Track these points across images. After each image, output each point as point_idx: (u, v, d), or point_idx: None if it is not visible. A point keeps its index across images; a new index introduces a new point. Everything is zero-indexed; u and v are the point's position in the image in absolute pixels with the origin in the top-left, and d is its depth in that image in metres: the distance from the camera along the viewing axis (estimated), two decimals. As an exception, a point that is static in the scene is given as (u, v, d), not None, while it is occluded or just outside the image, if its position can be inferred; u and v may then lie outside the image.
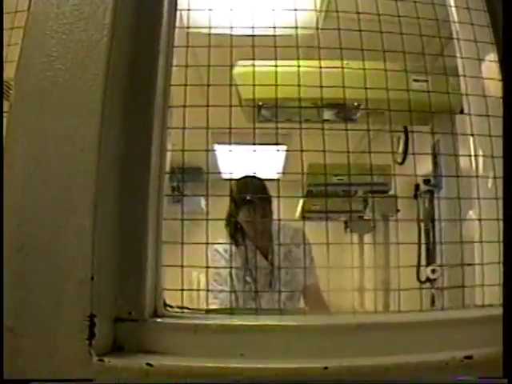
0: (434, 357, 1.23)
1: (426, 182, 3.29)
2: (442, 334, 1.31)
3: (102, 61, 1.21)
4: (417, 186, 3.40)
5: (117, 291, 1.27)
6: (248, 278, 2.88)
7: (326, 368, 1.17)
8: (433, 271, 3.01)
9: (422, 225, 3.36)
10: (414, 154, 3.52)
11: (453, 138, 2.63)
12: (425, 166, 3.41)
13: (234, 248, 2.95)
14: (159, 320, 1.31)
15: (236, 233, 2.95)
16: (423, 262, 3.29)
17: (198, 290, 2.86)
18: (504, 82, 1.41)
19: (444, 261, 2.96)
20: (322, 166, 3.69)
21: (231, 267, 2.88)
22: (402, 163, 3.81)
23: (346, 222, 5.18)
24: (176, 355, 1.24)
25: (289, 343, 1.28)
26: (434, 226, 3.27)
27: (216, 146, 4.68)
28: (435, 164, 3.11)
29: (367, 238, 5.21)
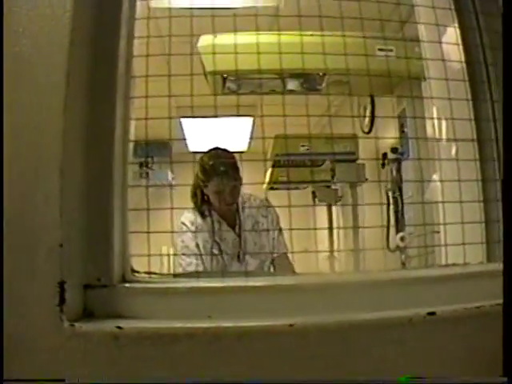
0: (398, 313, 1.25)
1: (394, 150, 3.31)
2: (406, 292, 1.33)
3: (65, 34, 1.21)
4: (384, 155, 3.41)
5: (86, 258, 1.26)
6: (215, 251, 2.87)
7: (291, 325, 1.19)
8: (402, 239, 3.03)
9: (390, 193, 3.38)
10: (371, 120, 3.56)
11: (413, 104, 2.65)
12: (392, 135, 3.42)
13: (200, 220, 2.93)
14: (128, 285, 1.31)
15: (202, 204, 2.94)
16: (392, 231, 3.32)
17: (167, 254, 2.85)
18: (504, 81, 1.42)
19: (412, 227, 2.99)
20: (288, 137, 3.69)
21: (197, 240, 2.88)
22: (368, 132, 3.81)
23: (313, 192, 5.18)
24: (145, 318, 1.25)
25: (256, 303, 1.29)
26: (401, 194, 3.28)
27: (182, 120, 4.67)
28: (402, 132, 3.12)
29: (335, 207, 5.23)
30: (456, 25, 1.67)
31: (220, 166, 2.75)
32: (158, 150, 5.74)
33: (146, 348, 1.18)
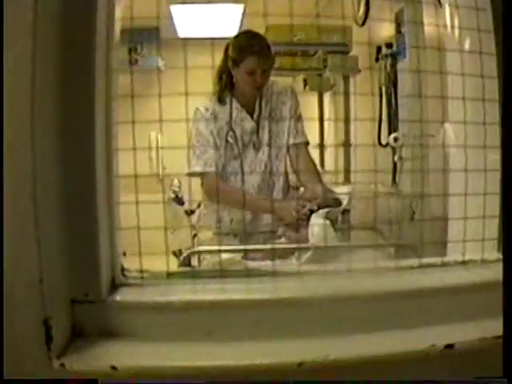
0: (414, 347, 1.22)
1: (388, 45, 3.25)
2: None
3: None
4: (378, 49, 3.35)
5: (70, 277, 1.23)
6: (230, 139, 2.86)
7: (300, 364, 1.16)
8: (395, 139, 3.02)
9: (384, 88, 3.34)
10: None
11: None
12: (387, 31, 3.36)
13: (217, 106, 2.91)
14: (118, 299, 1.29)
15: (224, 90, 2.88)
16: (384, 127, 3.31)
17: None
18: (504, 79, 1.36)
19: (406, 129, 2.98)
20: (280, 27, 3.62)
21: (211, 127, 2.84)
22: (362, 25, 3.73)
23: (305, 80, 5.12)
24: (140, 336, 1.24)
25: (258, 318, 1.26)
26: (396, 91, 3.26)
27: (171, 6, 4.55)
28: (399, 32, 3.07)
29: (327, 98, 5.19)
30: None
31: (256, 44, 2.70)
32: (147, 37, 5.65)
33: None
